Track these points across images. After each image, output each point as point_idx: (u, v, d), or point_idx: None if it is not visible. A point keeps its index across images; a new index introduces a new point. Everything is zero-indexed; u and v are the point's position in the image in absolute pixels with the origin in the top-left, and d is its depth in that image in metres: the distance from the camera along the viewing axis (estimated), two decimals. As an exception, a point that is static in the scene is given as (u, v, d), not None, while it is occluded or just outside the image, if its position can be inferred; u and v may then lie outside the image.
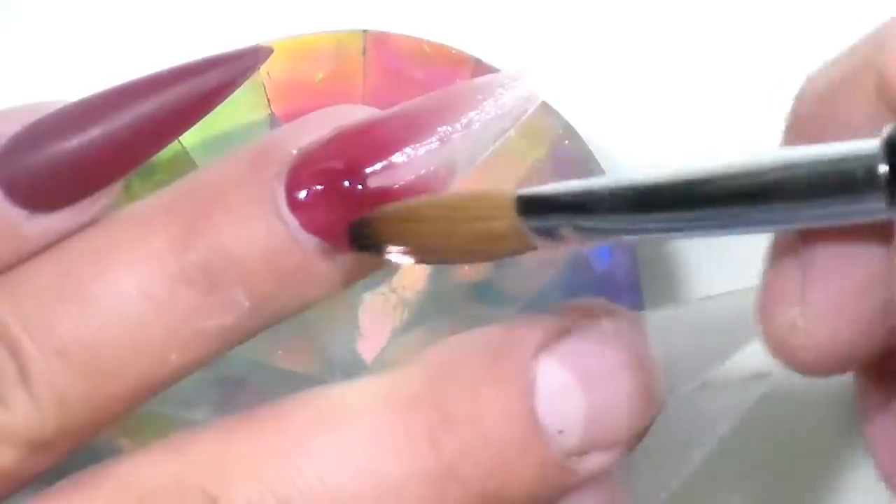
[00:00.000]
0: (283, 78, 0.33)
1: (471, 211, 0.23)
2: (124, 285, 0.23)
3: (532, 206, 0.23)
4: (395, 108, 0.24)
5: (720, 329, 0.24)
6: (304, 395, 0.23)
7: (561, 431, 0.22)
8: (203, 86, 0.24)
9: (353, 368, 0.32)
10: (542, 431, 0.22)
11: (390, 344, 0.32)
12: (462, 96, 0.24)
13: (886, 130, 0.20)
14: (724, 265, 0.35)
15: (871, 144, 0.20)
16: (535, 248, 0.23)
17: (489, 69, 0.34)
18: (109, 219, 0.24)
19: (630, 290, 0.32)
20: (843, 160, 0.20)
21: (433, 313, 0.32)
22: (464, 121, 0.24)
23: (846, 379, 0.34)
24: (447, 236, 0.24)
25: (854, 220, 0.20)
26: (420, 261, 0.24)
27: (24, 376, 0.23)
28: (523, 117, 0.24)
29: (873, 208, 0.20)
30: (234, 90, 0.24)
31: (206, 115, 0.24)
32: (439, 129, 0.24)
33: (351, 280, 0.25)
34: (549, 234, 0.23)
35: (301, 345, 0.32)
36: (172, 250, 0.24)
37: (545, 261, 0.32)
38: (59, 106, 0.24)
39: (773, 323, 0.22)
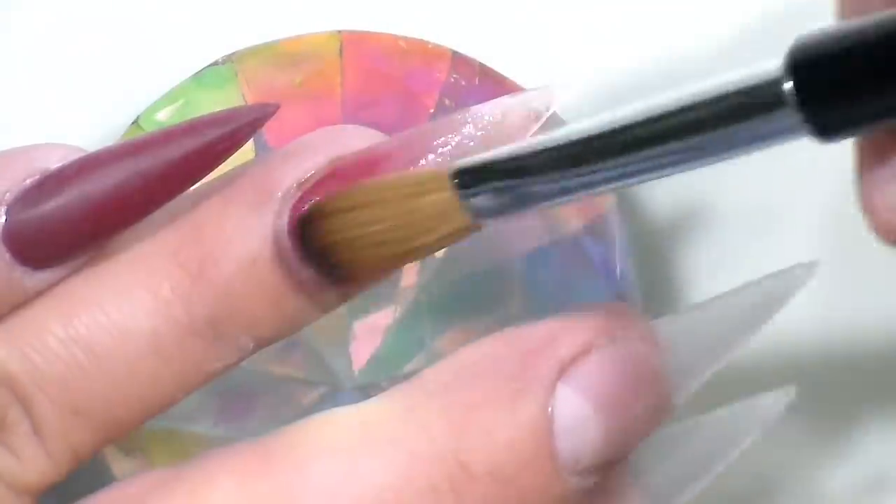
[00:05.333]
0: (262, 85, 0.33)
1: (408, 188, 0.23)
2: (134, 339, 0.24)
3: (468, 174, 0.23)
4: (392, 139, 0.24)
5: (726, 327, 0.24)
6: (320, 435, 0.23)
7: (578, 460, 0.22)
8: (211, 142, 0.23)
9: (348, 370, 0.32)
10: (561, 465, 0.22)
11: (384, 344, 0.33)
12: (461, 122, 0.24)
13: (789, 46, 0.20)
14: (724, 264, 0.35)
15: (775, 65, 0.20)
16: (477, 227, 0.23)
17: (468, 62, 0.34)
18: (112, 261, 0.24)
19: (628, 288, 0.32)
20: (751, 85, 0.20)
21: (425, 311, 0.33)
22: (463, 144, 0.24)
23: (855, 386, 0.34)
24: (387, 219, 0.24)
25: (776, 140, 0.20)
26: (368, 265, 0.24)
27: (38, 431, 0.23)
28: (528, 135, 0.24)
29: (788, 126, 0.20)
30: (239, 147, 0.24)
31: (212, 171, 0.24)
32: (438, 157, 0.24)
33: (346, 300, 0.25)
34: (489, 207, 0.23)
35: (296, 350, 0.32)
36: (180, 301, 0.24)
37: (540, 257, 0.33)
38: (54, 150, 0.24)
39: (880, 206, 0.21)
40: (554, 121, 0.32)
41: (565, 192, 0.22)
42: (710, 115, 0.20)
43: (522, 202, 0.23)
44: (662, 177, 0.21)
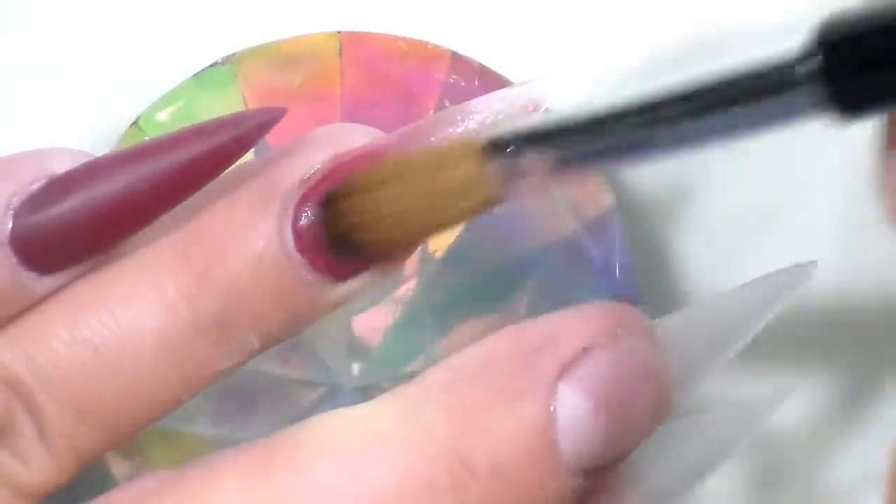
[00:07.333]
0: (262, 86, 0.33)
1: (436, 162, 0.24)
2: (141, 340, 0.23)
3: (497, 144, 0.23)
4: (394, 134, 0.25)
5: (727, 326, 0.24)
6: (321, 436, 0.23)
7: (580, 459, 0.22)
8: (219, 147, 0.23)
9: (348, 370, 0.32)
10: (563, 464, 0.22)
11: (384, 344, 0.33)
12: (462, 115, 0.24)
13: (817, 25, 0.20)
14: (724, 264, 0.35)
15: (801, 41, 0.20)
16: (501, 199, 0.23)
17: (468, 62, 0.34)
18: (118, 263, 0.24)
19: (628, 288, 0.32)
20: (778, 61, 0.20)
21: (425, 311, 0.33)
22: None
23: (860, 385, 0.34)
24: (415, 194, 0.24)
25: (799, 119, 0.20)
26: (394, 243, 0.24)
27: (43, 433, 0.23)
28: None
29: (810, 104, 0.20)
30: (247, 151, 0.24)
31: (219, 174, 0.24)
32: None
33: (350, 298, 0.25)
34: (516, 175, 0.23)
35: (296, 350, 0.32)
36: (186, 300, 0.24)
37: (540, 257, 0.33)
38: (61, 154, 0.24)
39: None
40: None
41: (586, 157, 0.22)
42: (736, 92, 0.21)
43: (550, 168, 0.23)
44: (686, 152, 0.21)
